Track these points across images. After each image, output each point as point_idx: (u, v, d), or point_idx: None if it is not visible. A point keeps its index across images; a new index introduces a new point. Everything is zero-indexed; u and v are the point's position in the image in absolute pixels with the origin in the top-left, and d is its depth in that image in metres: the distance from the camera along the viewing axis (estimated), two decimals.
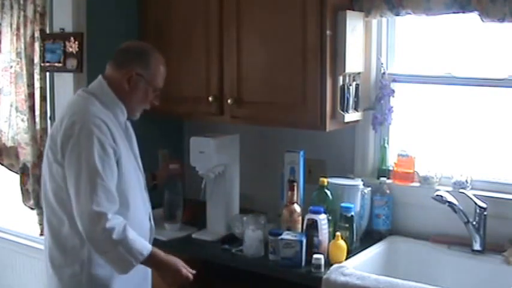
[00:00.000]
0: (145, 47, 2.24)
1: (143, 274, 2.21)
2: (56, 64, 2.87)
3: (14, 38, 3.23)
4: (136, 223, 2.11)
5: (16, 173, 3.35)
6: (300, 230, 2.40)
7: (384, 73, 2.64)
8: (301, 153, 2.63)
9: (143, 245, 2.02)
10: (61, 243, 2.08)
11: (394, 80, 2.65)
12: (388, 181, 2.62)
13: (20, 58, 3.21)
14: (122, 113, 2.16)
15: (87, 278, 2.06)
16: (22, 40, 3.17)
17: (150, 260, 2.04)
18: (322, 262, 2.21)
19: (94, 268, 2.06)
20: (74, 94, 2.79)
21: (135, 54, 2.18)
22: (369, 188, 2.58)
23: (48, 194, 2.09)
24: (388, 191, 2.59)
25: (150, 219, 2.26)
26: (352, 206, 2.43)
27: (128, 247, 1.95)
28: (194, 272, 2.16)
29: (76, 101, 2.17)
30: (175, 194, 2.73)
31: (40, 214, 3.25)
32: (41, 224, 3.26)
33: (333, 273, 2.15)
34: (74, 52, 2.79)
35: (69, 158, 1.99)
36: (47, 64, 2.92)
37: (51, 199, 2.08)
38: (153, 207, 2.33)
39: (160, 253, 2.09)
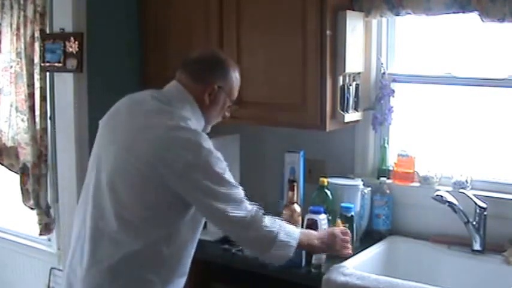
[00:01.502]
0: (222, 57, 2.09)
1: None
2: (56, 64, 2.87)
3: (14, 38, 3.23)
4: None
5: (16, 173, 3.35)
6: None
7: (384, 73, 2.64)
8: (301, 153, 2.63)
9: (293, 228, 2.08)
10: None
11: (394, 80, 2.65)
12: (388, 181, 2.62)
13: (20, 58, 3.21)
14: (201, 127, 2.03)
15: None
16: (22, 40, 3.17)
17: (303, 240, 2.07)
18: (322, 262, 2.21)
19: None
20: (74, 94, 2.82)
21: (215, 67, 2.04)
22: (369, 188, 2.58)
23: (124, 205, 1.90)
24: (388, 191, 2.59)
25: None
26: (352, 206, 2.43)
27: (285, 230, 2.01)
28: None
29: (161, 110, 1.94)
30: None
31: (40, 214, 3.25)
32: (40, 223, 3.26)
33: (333, 273, 2.15)
34: (74, 52, 2.79)
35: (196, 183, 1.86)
36: (47, 64, 2.92)
37: (130, 213, 1.90)
38: None
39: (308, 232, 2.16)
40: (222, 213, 1.88)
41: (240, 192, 1.94)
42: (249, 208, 1.94)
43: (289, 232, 2.02)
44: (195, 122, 1.97)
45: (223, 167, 1.90)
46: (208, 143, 1.90)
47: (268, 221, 1.97)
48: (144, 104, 1.97)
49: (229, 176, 1.92)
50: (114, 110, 2.06)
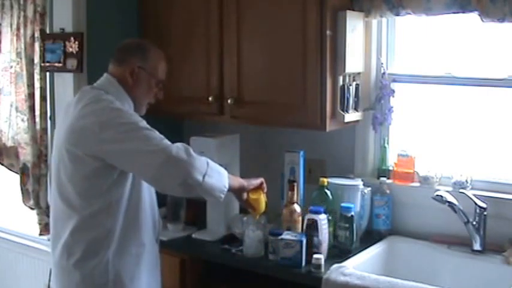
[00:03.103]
0: (143, 42, 2.31)
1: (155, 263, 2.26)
2: (56, 64, 2.87)
3: (14, 38, 3.23)
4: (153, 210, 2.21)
5: (16, 173, 3.35)
6: (300, 230, 2.40)
7: (384, 73, 2.64)
8: (301, 153, 2.63)
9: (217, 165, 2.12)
10: (82, 236, 2.08)
11: (394, 80, 2.65)
12: (388, 181, 2.62)
13: (20, 58, 3.21)
14: (130, 108, 2.17)
15: (113, 268, 2.08)
16: (22, 40, 3.17)
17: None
18: (322, 262, 2.21)
19: (123, 256, 2.10)
20: (74, 94, 2.81)
21: (134, 49, 2.22)
22: (369, 188, 2.58)
23: (64, 185, 2.10)
24: (388, 191, 2.59)
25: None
26: (352, 206, 2.43)
27: (212, 164, 2.06)
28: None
29: (86, 93, 2.16)
30: None
31: (40, 214, 3.25)
32: (40, 223, 3.26)
33: (333, 273, 2.15)
34: (74, 52, 2.79)
35: (111, 137, 2.00)
36: (47, 64, 2.92)
37: (69, 190, 2.08)
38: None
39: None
40: (139, 150, 1.97)
41: (155, 134, 2.02)
42: (168, 143, 2.01)
43: (216, 165, 2.11)
44: (113, 98, 2.10)
45: (134, 119, 2.06)
46: (126, 107, 2.11)
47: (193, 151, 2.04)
48: (73, 100, 2.19)
49: (142, 124, 2.04)
50: None
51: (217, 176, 2.07)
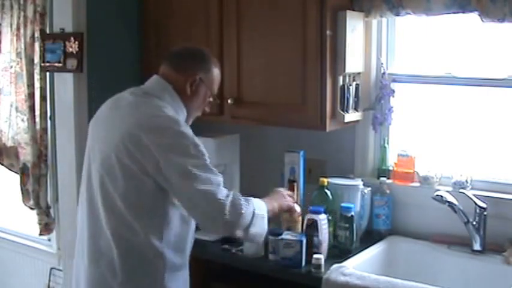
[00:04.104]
0: (205, 52, 2.16)
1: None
2: (56, 64, 2.87)
3: (14, 38, 3.23)
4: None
5: (16, 173, 3.35)
6: (300, 230, 2.40)
7: (384, 73, 2.64)
8: (301, 153, 2.63)
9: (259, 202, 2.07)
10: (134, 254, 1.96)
11: (394, 80, 2.65)
12: (388, 181, 2.62)
13: (20, 58, 3.21)
14: (183, 119, 2.06)
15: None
16: (22, 40, 3.17)
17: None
18: (322, 262, 2.21)
19: (173, 278, 2.02)
20: (74, 94, 2.82)
21: (198, 59, 2.11)
22: (369, 188, 2.58)
23: (113, 200, 1.95)
24: (388, 191, 2.59)
25: None
26: (352, 206, 2.43)
27: (257, 210, 2.00)
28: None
29: (140, 99, 2.02)
30: None
31: (40, 214, 3.25)
32: (40, 223, 3.26)
33: (333, 273, 2.15)
34: (74, 52, 2.79)
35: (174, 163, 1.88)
36: (47, 64, 2.92)
37: (119, 206, 1.93)
38: None
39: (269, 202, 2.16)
40: (202, 194, 1.87)
41: (219, 178, 1.94)
42: (226, 192, 1.93)
43: (260, 207, 2.05)
44: (172, 110, 1.99)
45: (201, 151, 1.92)
46: (184, 128, 1.94)
47: (244, 201, 1.97)
48: (122, 100, 2.04)
49: (208, 161, 1.94)
50: (98, 111, 2.13)
51: (260, 222, 2.01)
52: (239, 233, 1.95)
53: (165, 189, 1.92)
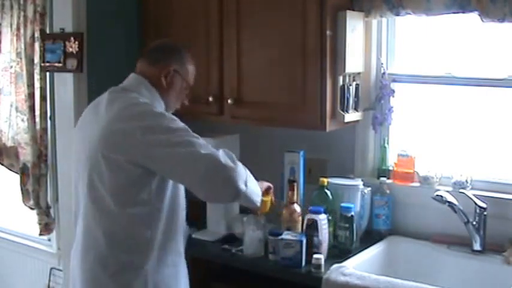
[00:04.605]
0: (179, 45, 2.21)
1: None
2: (56, 64, 2.87)
3: (14, 38, 3.24)
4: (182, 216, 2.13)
5: (16, 173, 3.35)
6: (300, 230, 2.40)
7: (384, 73, 2.64)
8: (301, 153, 2.63)
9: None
10: (120, 247, 1.98)
11: (394, 80, 2.65)
12: (388, 181, 2.62)
13: (20, 58, 3.21)
14: (161, 110, 2.07)
15: (152, 279, 2.00)
16: (22, 40, 3.17)
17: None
18: (322, 262, 2.21)
19: (162, 267, 2.02)
20: (74, 94, 2.82)
21: (171, 51, 2.14)
22: (369, 188, 2.58)
23: (102, 197, 1.97)
24: (388, 191, 2.59)
25: None
26: (352, 206, 2.43)
27: (246, 171, 2.00)
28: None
29: (118, 95, 2.05)
30: None
31: (40, 214, 3.25)
32: (40, 223, 3.26)
33: (333, 273, 2.15)
34: (74, 52, 2.79)
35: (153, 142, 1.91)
36: (47, 64, 2.92)
37: (108, 201, 1.96)
38: None
39: None
40: (189, 154, 1.88)
41: (205, 142, 1.95)
42: (215, 149, 1.94)
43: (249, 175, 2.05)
44: (149, 103, 2.02)
45: (182, 125, 1.96)
46: (162, 110, 2.01)
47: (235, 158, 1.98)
48: (102, 101, 2.07)
49: (190, 131, 1.96)
50: (81, 115, 2.17)
51: (254, 181, 2.04)
52: (242, 187, 1.92)
53: (155, 176, 1.94)
